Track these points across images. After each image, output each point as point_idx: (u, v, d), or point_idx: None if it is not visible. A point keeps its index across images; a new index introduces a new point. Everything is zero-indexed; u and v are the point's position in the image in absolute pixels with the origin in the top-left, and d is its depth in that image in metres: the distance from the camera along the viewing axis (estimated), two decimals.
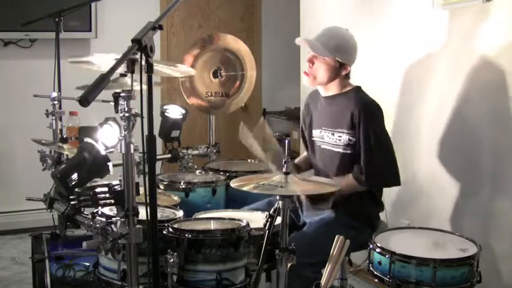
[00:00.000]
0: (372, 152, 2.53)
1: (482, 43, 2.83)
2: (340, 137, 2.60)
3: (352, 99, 2.61)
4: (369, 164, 2.53)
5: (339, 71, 2.62)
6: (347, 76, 2.67)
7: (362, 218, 2.62)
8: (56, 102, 3.13)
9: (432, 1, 3.06)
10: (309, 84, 2.71)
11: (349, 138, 2.57)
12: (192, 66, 3.52)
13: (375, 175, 2.55)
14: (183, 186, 2.84)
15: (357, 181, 2.56)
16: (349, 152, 2.59)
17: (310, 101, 2.87)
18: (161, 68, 2.42)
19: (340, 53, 2.59)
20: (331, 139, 2.65)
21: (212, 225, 2.28)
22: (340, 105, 2.63)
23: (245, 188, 2.10)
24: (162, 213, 2.40)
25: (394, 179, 2.59)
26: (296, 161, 2.94)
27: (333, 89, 2.68)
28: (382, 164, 2.56)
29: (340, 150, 2.61)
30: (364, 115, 2.54)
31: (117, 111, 1.93)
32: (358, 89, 2.67)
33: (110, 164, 2.27)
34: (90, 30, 4.70)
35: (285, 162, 2.17)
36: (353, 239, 2.20)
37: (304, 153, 2.95)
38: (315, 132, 2.76)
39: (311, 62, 2.65)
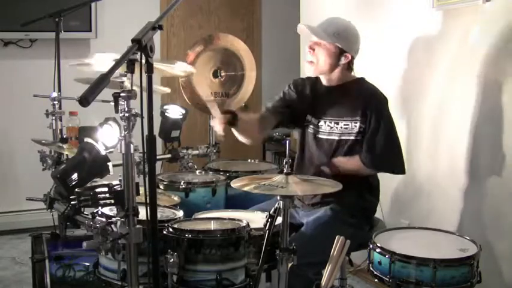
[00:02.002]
0: (381, 138, 2.54)
1: (481, 42, 2.83)
2: (347, 125, 2.60)
3: (361, 88, 2.63)
4: (377, 148, 2.54)
5: (340, 58, 2.62)
6: (349, 67, 2.67)
7: (360, 213, 2.62)
8: (56, 102, 3.14)
9: (432, 1, 3.06)
10: (312, 72, 2.70)
11: (359, 125, 2.57)
12: (193, 63, 3.53)
13: (382, 159, 2.56)
14: (183, 186, 2.84)
15: (363, 164, 2.56)
16: (356, 138, 2.59)
17: (303, 87, 2.79)
18: (160, 66, 2.42)
19: (339, 39, 2.59)
20: (334, 128, 2.64)
21: (212, 225, 2.28)
22: (348, 95, 2.63)
23: (245, 188, 2.10)
24: (162, 213, 2.40)
25: (400, 167, 2.60)
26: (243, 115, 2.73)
27: (336, 79, 2.68)
28: (390, 150, 2.57)
29: (347, 137, 2.61)
30: (376, 104, 2.57)
31: (117, 111, 1.93)
32: (363, 79, 2.69)
33: (110, 164, 2.27)
34: (90, 30, 4.70)
35: (285, 163, 2.18)
36: (352, 237, 2.19)
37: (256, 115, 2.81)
38: (312, 121, 2.73)
39: (312, 48, 2.65)
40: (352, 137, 2.60)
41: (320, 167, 2.62)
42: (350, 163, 2.58)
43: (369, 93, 2.60)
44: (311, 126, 2.74)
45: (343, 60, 2.63)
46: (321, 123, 2.69)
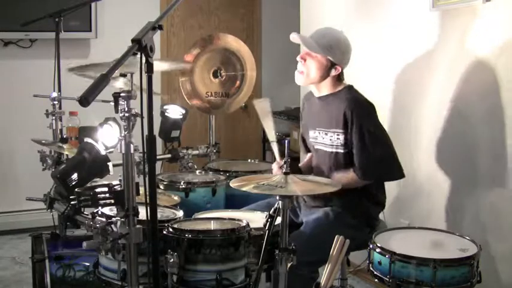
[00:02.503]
0: (368, 149, 2.52)
1: (481, 43, 2.83)
2: (332, 137, 2.61)
3: (344, 98, 2.61)
4: (366, 160, 2.52)
5: (330, 70, 2.63)
6: (339, 77, 2.67)
7: (360, 217, 2.62)
8: (56, 102, 3.13)
9: (431, 1, 3.06)
10: (302, 82, 2.71)
11: (344, 138, 2.57)
12: (194, 63, 3.53)
13: (372, 170, 2.54)
14: (183, 186, 2.84)
15: (357, 177, 2.55)
16: (343, 151, 2.59)
17: (305, 102, 2.89)
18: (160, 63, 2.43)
19: (332, 52, 2.60)
20: (325, 139, 2.65)
21: (212, 225, 2.29)
22: (333, 105, 2.63)
23: (245, 188, 2.10)
24: (162, 213, 2.40)
25: (395, 172, 2.57)
26: (300, 165, 2.89)
27: (325, 89, 2.68)
28: (380, 158, 2.54)
29: (334, 150, 2.61)
30: (356, 114, 2.53)
31: (117, 111, 1.93)
32: (350, 87, 2.67)
33: (110, 164, 2.27)
34: (90, 30, 4.71)
35: (284, 163, 2.18)
36: (351, 239, 2.20)
37: (307, 156, 2.91)
38: (311, 133, 2.76)
39: (303, 59, 2.66)
40: (341, 150, 2.59)
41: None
42: (345, 178, 2.56)
43: (350, 104, 2.56)
44: (311, 136, 2.76)
45: (333, 72, 2.63)
46: (316, 134, 2.71)
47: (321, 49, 2.60)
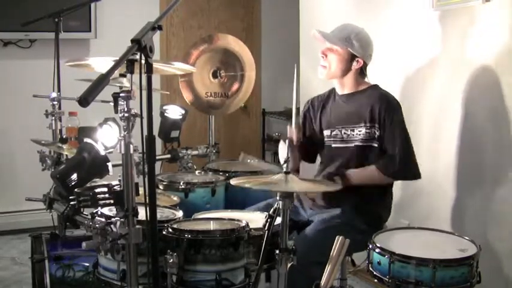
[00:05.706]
0: (397, 145, 2.56)
1: (481, 43, 2.84)
2: (361, 131, 2.62)
3: (373, 94, 2.65)
4: (395, 156, 2.56)
5: (352, 63, 2.66)
6: (362, 72, 2.70)
7: (372, 222, 2.62)
8: (55, 102, 3.13)
9: (431, 1, 3.06)
10: (325, 76, 2.73)
11: (372, 131, 2.59)
12: (194, 63, 3.53)
13: (400, 167, 2.57)
14: (183, 187, 2.84)
15: (382, 172, 2.57)
16: (368, 145, 2.61)
17: (313, 106, 2.86)
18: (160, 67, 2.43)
19: (351, 44, 2.63)
20: (349, 136, 2.65)
21: (212, 226, 2.28)
22: (359, 102, 2.65)
23: (246, 185, 2.10)
24: (161, 214, 2.40)
25: (417, 173, 2.62)
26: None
27: (349, 85, 2.71)
28: (407, 156, 2.59)
29: (361, 144, 2.63)
30: (389, 109, 2.59)
31: (116, 112, 1.93)
32: (376, 86, 2.72)
33: (110, 165, 2.27)
34: (90, 31, 4.71)
35: (284, 162, 2.17)
36: (359, 243, 2.20)
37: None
38: (325, 133, 2.76)
39: (324, 54, 2.69)
40: (368, 144, 2.61)
41: (332, 177, 2.61)
42: (364, 174, 2.59)
43: (382, 99, 2.61)
44: (325, 135, 2.75)
45: (355, 65, 2.67)
46: (336, 132, 2.71)
47: (339, 41, 2.64)
